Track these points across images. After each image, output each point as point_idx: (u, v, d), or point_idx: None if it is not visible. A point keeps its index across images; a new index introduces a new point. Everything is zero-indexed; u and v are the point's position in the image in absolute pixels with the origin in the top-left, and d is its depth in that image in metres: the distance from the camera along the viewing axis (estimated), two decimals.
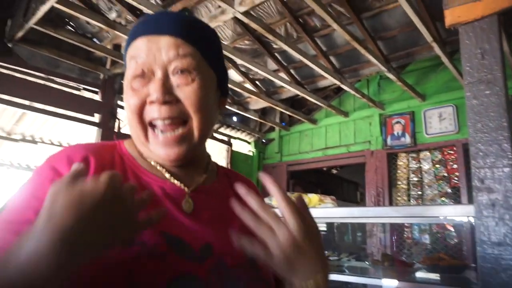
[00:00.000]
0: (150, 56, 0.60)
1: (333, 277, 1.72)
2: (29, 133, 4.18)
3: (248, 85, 4.01)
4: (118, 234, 0.46)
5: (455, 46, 2.91)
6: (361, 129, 4.43)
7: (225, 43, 3.40)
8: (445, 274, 1.54)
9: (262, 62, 3.72)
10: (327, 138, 4.75)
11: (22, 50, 3.11)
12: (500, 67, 1.29)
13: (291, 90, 3.76)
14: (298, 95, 3.91)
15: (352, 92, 3.68)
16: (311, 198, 2.24)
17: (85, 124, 3.56)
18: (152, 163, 0.65)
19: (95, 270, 0.49)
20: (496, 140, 1.26)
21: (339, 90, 4.56)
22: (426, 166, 3.98)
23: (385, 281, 1.35)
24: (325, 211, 1.86)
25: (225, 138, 4.97)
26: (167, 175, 0.64)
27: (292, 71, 3.90)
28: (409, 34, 3.14)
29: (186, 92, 0.60)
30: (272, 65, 3.79)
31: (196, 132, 0.62)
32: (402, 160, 4.14)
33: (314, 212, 1.86)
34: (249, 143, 5.27)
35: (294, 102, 4.80)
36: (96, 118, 3.58)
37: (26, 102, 3.27)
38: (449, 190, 3.74)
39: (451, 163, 3.81)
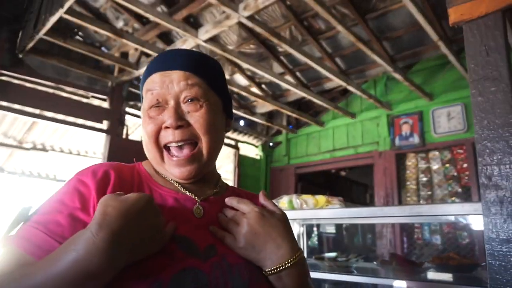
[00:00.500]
0: (163, 88, 0.69)
1: (342, 277, 1.72)
2: (40, 141, 4.26)
3: (254, 89, 4.03)
4: (153, 241, 0.58)
5: (462, 44, 2.89)
6: (369, 130, 4.41)
7: (230, 47, 3.43)
8: (455, 273, 1.53)
9: (268, 66, 3.75)
10: (334, 140, 4.74)
11: (32, 60, 3.18)
12: (506, 64, 1.28)
13: (298, 93, 3.78)
14: (305, 97, 3.92)
15: (359, 93, 3.68)
16: (318, 199, 2.24)
17: (94, 131, 3.61)
18: (167, 178, 0.74)
19: None
20: (503, 136, 1.25)
21: (345, 91, 4.56)
22: (435, 166, 3.95)
23: (392, 281, 1.34)
24: (332, 211, 1.86)
25: (233, 142, 4.99)
26: (180, 187, 0.73)
27: (298, 73, 3.91)
28: (415, 34, 3.13)
29: (196, 117, 0.69)
30: (278, 68, 3.81)
31: (205, 152, 0.71)
32: (410, 160, 4.12)
33: (322, 213, 1.85)
34: (256, 146, 5.29)
35: (301, 105, 4.81)
36: (105, 125, 3.63)
37: (37, 111, 3.33)
38: (460, 190, 3.70)
39: (461, 162, 3.78)
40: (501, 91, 1.29)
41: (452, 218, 1.44)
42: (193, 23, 3.19)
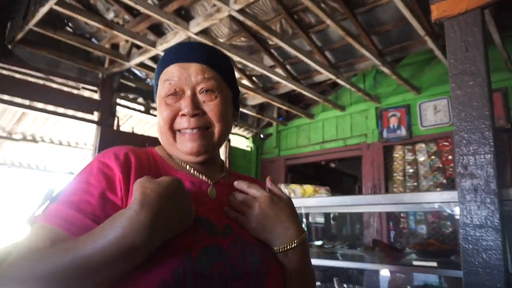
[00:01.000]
0: (181, 79, 0.76)
1: (327, 263, 1.80)
2: (30, 132, 4.24)
3: (245, 81, 4.07)
4: (184, 221, 0.64)
5: None
6: (358, 123, 4.49)
7: (221, 40, 3.45)
8: (434, 258, 1.61)
9: (259, 59, 3.78)
10: (324, 132, 4.81)
11: (22, 51, 3.16)
12: (483, 59, 1.35)
13: (288, 86, 3.82)
14: (295, 90, 3.97)
15: (348, 86, 3.74)
16: (306, 189, 2.31)
17: (85, 122, 3.62)
18: (180, 163, 0.80)
19: None
20: (479, 128, 1.32)
21: (335, 84, 4.62)
22: (421, 157, 4.05)
23: (374, 266, 1.42)
24: (319, 200, 1.93)
25: None
26: (193, 171, 0.80)
27: (288, 66, 3.95)
28: (403, 28, 3.19)
29: (211, 106, 0.77)
30: (268, 61, 3.84)
31: (216, 135, 0.79)
32: (398, 152, 4.21)
33: (309, 202, 1.92)
34: (247, 138, 5.33)
35: (291, 97, 4.86)
36: (96, 116, 3.64)
37: (27, 102, 3.33)
38: (444, 181, 3.81)
39: (446, 154, 3.88)
40: (478, 85, 1.37)
41: (434, 206, 1.51)
42: (184, 16, 3.20)
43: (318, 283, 2.43)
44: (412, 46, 3.34)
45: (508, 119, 3.40)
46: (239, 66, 3.96)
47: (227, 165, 4.46)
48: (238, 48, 3.61)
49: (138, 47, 3.34)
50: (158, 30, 3.52)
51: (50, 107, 3.44)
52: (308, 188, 2.35)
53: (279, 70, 3.82)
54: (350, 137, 4.54)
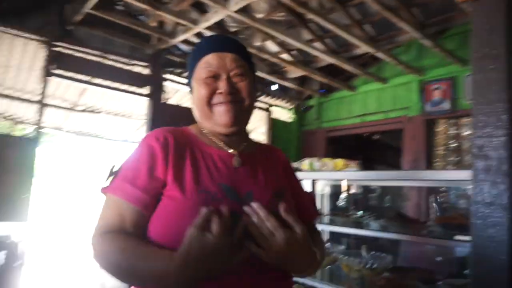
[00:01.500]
0: (219, 66, 0.94)
1: (352, 231, 1.96)
2: (91, 104, 4.69)
3: (284, 55, 4.14)
4: (212, 274, 0.78)
5: None
6: (400, 96, 4.42)
7: (260, 16, 3.54)
8: (454, 232, 1.71)
9: (297, 33, 3.82)
10: (365, 104, 4.80)
11: (80, 32, 3.49)
12: (504, 44, 1.38)
13: (327, 59, 3.85)
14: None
15: (388, 59, 3.69)
16: (337, 162, 2.44)
17: (137, 96, 3.95)
18: (210, 137, 0.98)
19: (181, 207, 0.83)
20: (495, 112, 1.37)
21: (377, 56, 4.53)
22: (465, 132, 3.95)
23: (386, 234, 1.55)
24: (347, 174, 2.06)
25: (265, 106, 5.18)
26: (221, 144, 0.97)
27: (328, 40, 3.96)
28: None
29: (242, 86, 0.96)
30: (307, 35, 3.87)
31: (246, 109, 0.97)
32: (440, 126, 4.13)
33: (337, 175, 2.08)
34: (289, 110, 5.44)
35: (332, 69, 4.85)
36: (146, 90, 3.95)
37: (86, 78, 3.69)
38: None
39: None
40: (497, 69, 1.40)
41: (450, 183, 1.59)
42: None
43: (349, 249, 2.61)
44: (456, 18, 3.20)
45: None
46: (279, 40, 4.03)
47: (269, 136, 4.65)
48: (277, 23, 3.67)
49: (183, 24, 3.53)
50: (201, 8, 3.67)
51: (106, 82, 3.79)
52: (339, 161, 2.49)
53: (318, 44, 3.85)
54: (392, 110, 4.50)
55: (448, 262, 2.31)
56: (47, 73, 3.26)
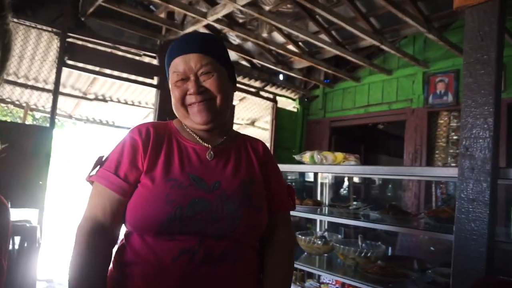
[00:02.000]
0: (185, 68, 0.98)
1: (349, 222, 2.08)
2: (101, 93, 4.82)
3: (291, 47, 4.21)
4: None
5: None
6: (404, 87, 4.48)
7: (268, 7, 3.60)
8: (443, 224, 1.82)
9: (304, 25, 3.88)
10: (369, 95, 4.86)
11: (92, 23, 3.59)
12: (496, 49, 1.45)
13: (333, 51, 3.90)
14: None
15: (393, 52, 3.74)
16: (337, 156, 2.54)
17: (145, 86, 4.06)
18: (189, 132, 1.04)
19: (149, 193, 0.91)
20: (483, 114, 1.46)
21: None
22: None
23: (377, 225, 1.67)
24: (345, 168, 2.17)
25: (271, 96, 5.27)
26: (198, 139, 1.03)
27: (333, 32, 4.01)
28: None
29: (209, 83, 0.98)
30: (313, 27, 3.93)
31: (218, 104, 1.00)
32: (443, 119, 4.19)
33: (336, 169, 2.19)
34: (293, 100, 5.53)
35: (338, 60, 4.90)
36: (155, 80, 4.06)
37: (97, 68, 3.81)
38: None
39: None
40: (487, 74, 1.50)
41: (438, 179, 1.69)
42: None
43: (346, 238, 2.74)
44: (462, 12, 3.23)
45: None
46: (285, 32, 4.09)
47: (274, 126, 4.73)
48: (284, 15, 3.73)
49: (192, 15, 3.60)
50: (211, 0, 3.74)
51: (116, 72, 3.90)
52: (339, 155, 2.59)
53: (324, 36, 3.90)
54: (395, 102, 4.56)
55: (440, 252, 2.44)
56: (60, 63, 3.38)
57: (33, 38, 3.48)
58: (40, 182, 2.97)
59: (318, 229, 2.94)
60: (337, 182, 3.44)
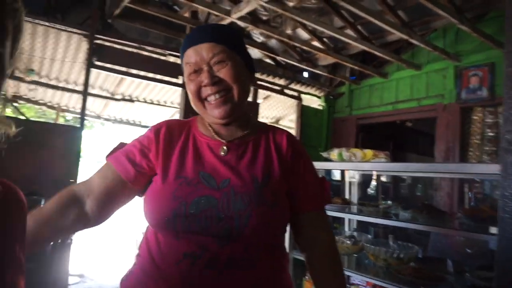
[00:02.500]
0: (197, 59, 0.94)
1: (379, 221, 2.01)
2: (128, 93, 4.92)
3: (315, 43, 4.13)
4: None
5: None
6: (434, 82, 4.31)
7: (291, 3, 3.54)
8: (480, 224, 1.72)
9: (329, 20, 3.80)
10: (398, 92, 4.71)
11: (119, 24, 3.65)
12: None
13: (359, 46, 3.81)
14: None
15: (423, 45, 3.60)
16: (366, 153, 2.47)
17: (171, 86, 4.10)
18: (208, 126, 1.00)
19: (159, 189, 0.91)
20: None
21: (411, 42, 4.42)
22: None
23: (410, 225, 1.59)
24: (374, 165, 2.10)
25: (295, 94, 5.20)
26: (213, 134, 0.99)
27: (359, 26, 3.91)
28: None
29: (224, 72, 0.93)
30: (339, 22, 3.84)
31: (236, 95, 0.94)
32: (477, 115, 4.01)
33: (365, 166, 2.12)
34: (319, 97, 5.44)
35: (365, 56, 4.78)
36: (180, 80, 4.09)
37: (124, 69, 3.87)
38: None
39: None
40: None
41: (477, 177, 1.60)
42: None
43: (375, 238, 2.65)
44: (496, 1, 3.07)
45: None
46: (310, 28, 4.02)
47: (299, 124, 4.67)
48: (309, 10, 3.66)
49: (216, 14, 3.60)
50: None
51: (142, 73, 3.96)
52: (368, 152, 2.51)
53: (349, 31, 3.81)
54: (425, 98, 4.40)
55: (478, 255, 2.31)
56: (89, 64, 3.46)
57: (64, 40, 3.58)
58: (71, 180, 3.05)
59: (346, 229, 2.86)
60: (365, 181, 3.34)
